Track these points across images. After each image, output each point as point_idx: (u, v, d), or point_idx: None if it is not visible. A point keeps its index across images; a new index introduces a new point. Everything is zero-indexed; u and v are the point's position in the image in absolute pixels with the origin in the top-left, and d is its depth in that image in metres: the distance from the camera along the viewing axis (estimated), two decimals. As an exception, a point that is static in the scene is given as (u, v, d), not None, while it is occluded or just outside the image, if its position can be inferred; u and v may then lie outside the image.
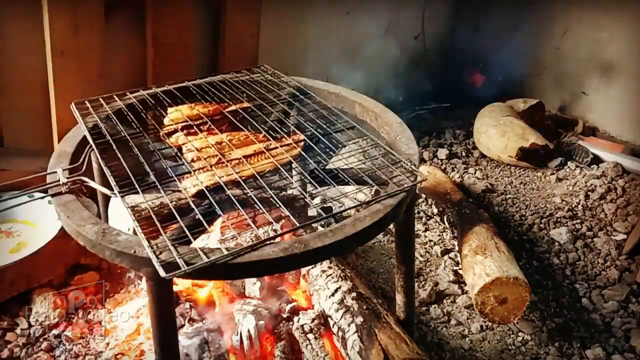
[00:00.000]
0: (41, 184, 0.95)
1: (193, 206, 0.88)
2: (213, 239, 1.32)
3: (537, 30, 2.91)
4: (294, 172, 1.16)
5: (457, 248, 1.84)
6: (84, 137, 1.09)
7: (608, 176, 2.28)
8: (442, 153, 2.55)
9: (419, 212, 2.09)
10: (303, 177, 1.02)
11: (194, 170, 0.97)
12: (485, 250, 1.59)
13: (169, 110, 1.21)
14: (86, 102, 1.19)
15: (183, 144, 1.06)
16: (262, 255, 0.75)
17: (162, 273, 0.70)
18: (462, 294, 1.67)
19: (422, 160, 2.51)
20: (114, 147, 1.02)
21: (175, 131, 1.11)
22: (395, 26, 2.83)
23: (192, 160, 1.01)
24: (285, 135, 1.10)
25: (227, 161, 0.99)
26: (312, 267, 1.44)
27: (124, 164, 0.95)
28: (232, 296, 1.44)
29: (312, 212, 1.61)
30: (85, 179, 0.96)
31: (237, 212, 0.88)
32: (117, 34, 1.77)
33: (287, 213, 0.84)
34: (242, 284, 1.46)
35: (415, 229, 1.94)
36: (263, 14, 2.11)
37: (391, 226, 1.54)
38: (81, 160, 1.03)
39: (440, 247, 1.88)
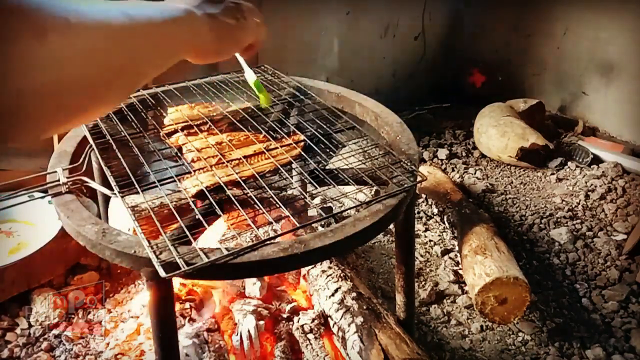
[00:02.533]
0: (41, 183, 0.95)
1: (193, 206, 0.88)
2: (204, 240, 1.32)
3: (537, 30, 2.91)
4: (294, 172, 1.16)
5: (457, 248, 1.85)
6: (84, 136, 1.09)
7: (608, 176, 2.28)
8: (442, 153, 2.55)
9: (419, 212, 2.09)
10: (303, 177, 1.02)
11: (194, 171, 0.97)
12: (485, 250, 1.59)
13: (169, 110, 1.21)
14: (86, 102, 1.19)
15: (183, 144, 1.06)
16: (262, 255, 0.75)
17: (162, 273, 0.70)
18: (462, 294, 1.67)
19: (422, 160, 2.51)
20: (114, 147, 1.02)
21: (176, 131, 1.11)
22: (395, 26, 2.83)
23: (193, 161, 1.01)
24: (285, 136, 1.10)
25: (227, 161, 0.99)
26: (312, 267, 1.44)
27: (124, 164, 0.95)
28: (232, 296, 1.44)
29: (312, 212, 1.61)
30: (85, 179, 0.96)
31: (237, 212, 0.88)
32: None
33: (287, 213, 0.84)
34: (242, 284, 1.46)
35: (415, 229, 1.94)
36: (263, 14, 2.11)
37: (391, 226, 1.54)
38: (81, 160, 1.03)
39: (440, 247, 1.88)
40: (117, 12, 0.44)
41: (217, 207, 0.86)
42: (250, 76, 1.01)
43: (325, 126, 1.13)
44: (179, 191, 0.94)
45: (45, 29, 0.35)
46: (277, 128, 1.12)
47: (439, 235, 1.97)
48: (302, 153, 1.05)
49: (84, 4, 0.40)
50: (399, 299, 1.27)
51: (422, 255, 1.86)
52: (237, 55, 0.95)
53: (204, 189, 0.90)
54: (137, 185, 0.89)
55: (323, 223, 1.63)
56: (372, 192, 1.59)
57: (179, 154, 1.04)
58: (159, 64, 0.53)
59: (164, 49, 0.52)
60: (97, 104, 0.44)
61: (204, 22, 0.60)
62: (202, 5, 0.61)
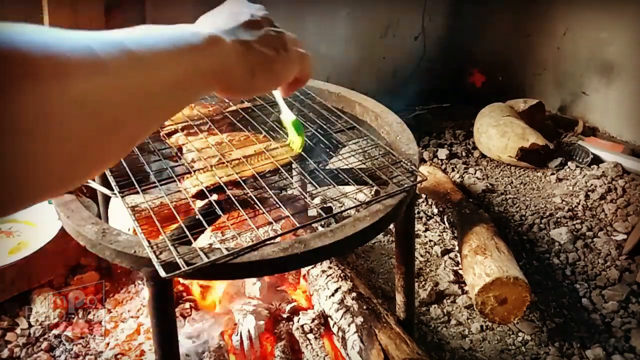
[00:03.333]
0: (41, 184, 0.95)
1: (193, 206, 0.88)
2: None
3: (537, 30, 2.91)
4: (294, 172, 1.16)
5: (457, 248, 1.84)
6: (84, 137, 1.08)
7: (608, 176, 2.28)
8: (442, 153, 2.55)
9: (419, 212, 2.09)
10: (303, 177, 1.02)
11: (194, 171, 0.97)
12: (485, 250, 1.59)
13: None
14: (86, 102, 1.19)
15: (183, 144, 1.06)
16: (262, 255, 0.75)
17: (162, 273, 0.70)
18: (462, 294, 1.67)
19: (422, 160, 2.50)
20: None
21: (176, 131, 1.11)
22: (395, 26, 2.83)
23: (193, 161, 1.01)
24: (285, 136, 1.10)
25: (227, 161, 0.99)
26: (312, 267, 1.44)
27: (124, 163, 0.96)
28: (232, 296, 1.44)
29: (312, 212, 1.61)
30: (85, 179, 0.96)
31: (237, 212, 0.88)
32: (117, 34, 1.76)
33: (287, 213, 0.85)
34: (242, 284, 1.46)
35: (415, 229, 1.94)
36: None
37: (391, 226, 1.54)
38: (81, 160, 1.03)
39: (440, 247, 1.88)
40: (110, 46, 0.34)
41: (217, 207, 0.86)
42: (287, 116, 1.00)
43: (325, 126, 1.13)
44: (179, 191, 0.94)
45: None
46: (277, 128, 1.12)
47: (439, 235, 1.97)
48: (302, 153, 1.05)
49: (60, 41, 0.31)
50: (399, 299, 1.27)
51: (422, 255, 1.86)
52: (275, 92, 0.88)
53: (204, 189, 0.90)
54: (137, 185, 0.89)
55: (323, 223, 1.63)
56: (372, 192, 1.59)
57: (179, 154, 1.04)
58: (173, 108, 0.43)
59: (177, 90, 0.41)
60: (86, 169, 0.35)
61: (235, 52, 0.49)
62: (235, 31, 0.50)
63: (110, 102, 0.34)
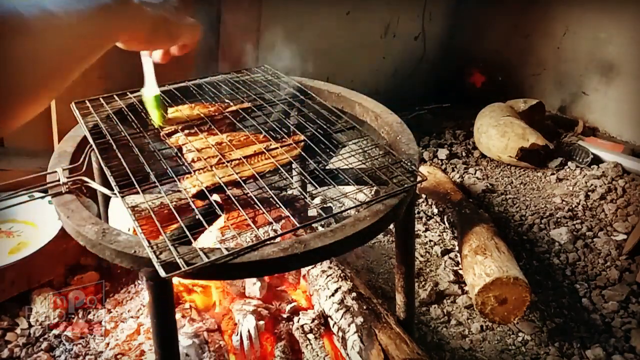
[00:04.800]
0: (41, 183, 0.95)
1: (193, 206, 0.88)
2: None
3: (537, 30, 2.91)
4: (294, 173, 1.16)
5: (457, 248, 1.84)
6: (84, 136, 1.09)
7: (608, 176, 2.29)
8: (442, 153, 2.55)
9: (419, 212, 2.09)
10: (303, 178, 1.02)
11: (194, 171, 0.97)
12: (485, 250, 1.59)
13: (169, 110, 1.21)
14: (86, 101, 1.19)
15: (183, 144, 1.06)
16: (262, 255, 0.75)
17: (162, 273, 0.70)
18: (462, 294, 1.67)
19: (422, 160, 2.51)
20: (114, 147, 1.02)
21: (176, 131, 1.11)
22: (395, 26, 2.83)
23: (193, 161, 1.01)
24: (285, 136, 1.10)
25: (227, 161, 0.99)
26: (312, 267, 1.44)
27: (124, 164, 0.95)
28: (232, 296, 1.44)
29: (312, 212, 1.61)
30: (86, 179, 0.96)
31: (237, 212, 0.88)
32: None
33: (287, 213, 0.84)
34: (242, 284, 1.46)
35: (415, 229, 1.94)
36: (263, 14, 2.10)
37: (391, 226, 1.54)
38: (81, 160, 1.03)
39: (440, 247, 1.88)
40: (34, 8, 0.40)
41: (217, 207, 0.86)
42: (151, 89, 1.04)
43: (325, 126, 1.13)
44: (179, 191, 0.94)
45: None
46: (277, 128, 1.12)
47: (439, 235, 1.97)
48: (302, 153, 1.05)
49: None
50: (399, 299, 1.27)
51: (422, 255, 1.86)
52: (146, 62, 0.99)
53: (204, 189, 0.90)
54: (137, 185, 0.89)
55: (323, 223, 1.63)
56: (372, 192, 1.59)
57: (179, 154, 1.04)
58: (90, 59, 0.52)
59: (93, 42, 0.51)
60: (22, 108, 0.41)
61: (142, 11, 0.61)
62: None
63: (35, 60, 0.39)
